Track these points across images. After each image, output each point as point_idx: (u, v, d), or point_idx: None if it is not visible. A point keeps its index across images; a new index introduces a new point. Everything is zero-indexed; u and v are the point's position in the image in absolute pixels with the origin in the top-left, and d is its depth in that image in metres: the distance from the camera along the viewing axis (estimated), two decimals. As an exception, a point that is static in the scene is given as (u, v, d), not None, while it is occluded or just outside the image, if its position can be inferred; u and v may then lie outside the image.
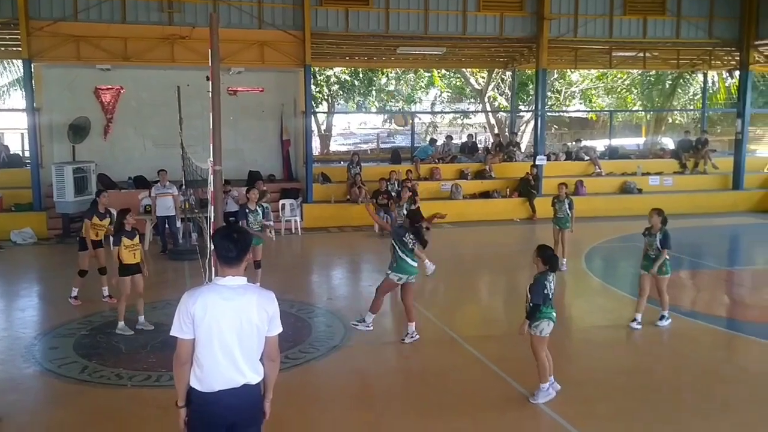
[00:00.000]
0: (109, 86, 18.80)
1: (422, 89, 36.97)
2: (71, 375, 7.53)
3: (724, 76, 27.85)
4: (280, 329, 3.96)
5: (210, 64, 5.62)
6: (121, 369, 7.63)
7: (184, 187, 15.01)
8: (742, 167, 21.33)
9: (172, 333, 3.81)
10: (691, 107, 33.52)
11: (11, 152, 19.89)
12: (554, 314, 6.73)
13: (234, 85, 19.01)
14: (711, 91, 29.37)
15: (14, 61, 24.59)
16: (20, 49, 16.24)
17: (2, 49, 18.88)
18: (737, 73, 21.84)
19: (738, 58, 21.28)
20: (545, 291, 6.61)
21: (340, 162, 23.51)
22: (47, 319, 9.93)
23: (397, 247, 8.46)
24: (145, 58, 16.90)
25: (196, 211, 14.94)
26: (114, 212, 10.24)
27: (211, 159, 5.54)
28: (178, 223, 14.89)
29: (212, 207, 5.45)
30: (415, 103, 37.94)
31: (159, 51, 16.87)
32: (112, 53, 16.65)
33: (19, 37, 16.06)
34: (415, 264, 8.61)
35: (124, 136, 19.08)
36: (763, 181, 22.23)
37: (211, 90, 5.39)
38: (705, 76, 26.93)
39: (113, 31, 16.43)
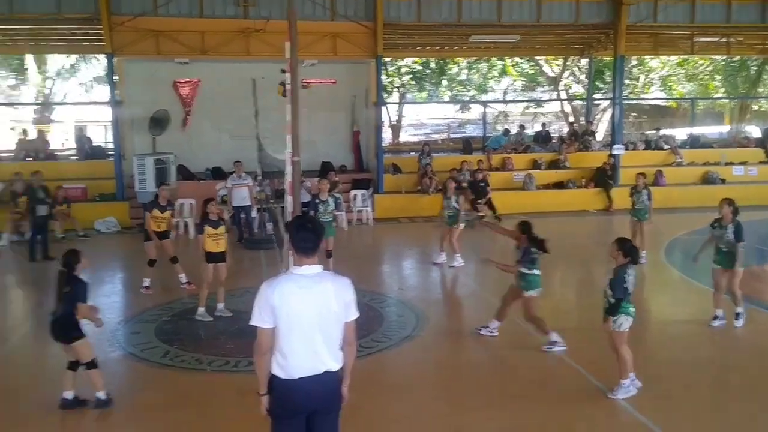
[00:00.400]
0: (187, 79, 19.31)
1: (494, 78, 36.50)
2: (154, 359, 7.82)
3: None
4: (357, 314, 4.03)
5: (286, 57, 5.67)
6: (200, 354, 7.88)
7: (260, 177, 15.29)
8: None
9: (252, 322, 3.89)
10: (780, 93, 31.98)
11: (94, 144, 20.69)
12: (633, 309, 6.55)
13: (307, 78, 19.24)
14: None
15: (97, 56, 25.60)
16: (103, 44, 16.86)
17: (86, 44, 19.62)
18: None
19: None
20: (625, 285, 6.44)
21: (411, 152, 23.48)
22: (130, 305, 10.32)
23: (526, 269, 7.93)
24: (221, 52, 17.30)
25: (271, 201, 15.23)
26: (175, 204, 10.50)
27: (289, 150, 5.61)
28: (254, 213, 15.20)
29: (289, 197, 5.53)
30: (487, 92, 37.50)
31: (235, 44, 17.24)
32: (189, 47, 17.10)
33: (102, 32, 16.66)
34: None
35: (201, 128, 19.58)
36: None
37: (288, 83, 5.44)
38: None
39: (191, 25, 16.88)
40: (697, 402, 6.59)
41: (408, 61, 32.04)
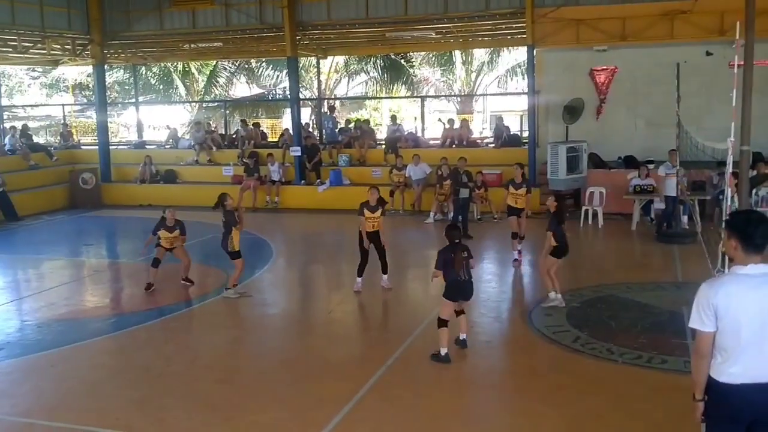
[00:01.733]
0: (604, 67, 19.10)
1: None
2: (565, 342, 7.99)
3: None
4: None
5: (737, 37, 5.20)
6: (611, 344, 7.79)
7: (679, 167, 14.42)
8: None
9: (691, 325, 3.70)
10: None
11: (511, 132, 21.82)
12: None
13: (740, 59, 17.39)
14: None
15: (516, 47, 26.95)
16: (525, 36, 17.63)
17: (509, 37, 20.76)
18: None
19: None
20: None
21: None
22: (539, 287, 10.58)
23: None
24: (642, 37, 16.72)
25: (688, 193, 14.27)
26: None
27: (732, 138, 5.17)
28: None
29: (729, 189, 5.10)
30: None
31: (658, 28, 16.49)
32: (610, 34, 16.90)
33: (524, 25, 17.42)
34: None
35: (615, 116, 19.18)
36: None
37: (738, 64, 4.99)
38: None
39: (612, 12, 16.61)
40: None
41: None
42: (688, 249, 12.26)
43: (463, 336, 7.70)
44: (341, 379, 7.12)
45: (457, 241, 7.57)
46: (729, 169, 5.29)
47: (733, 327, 3.52)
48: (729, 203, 4.98)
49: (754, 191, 14.87)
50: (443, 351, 7.36)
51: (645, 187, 15.21)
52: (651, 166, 15.86)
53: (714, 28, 15.85)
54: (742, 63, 16.56)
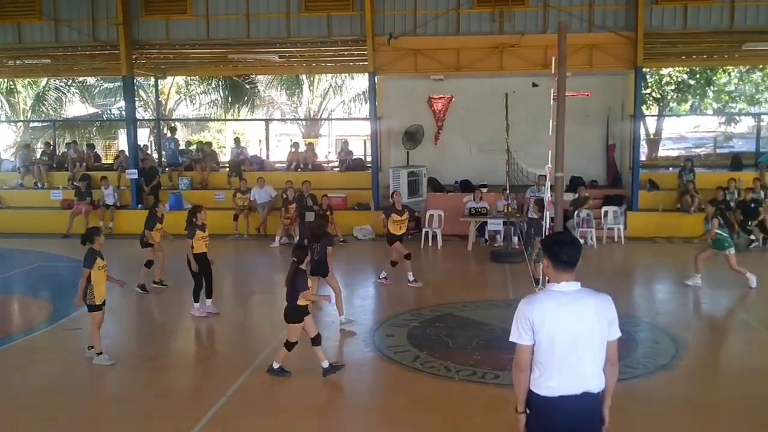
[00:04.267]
0: (441, 95, 19.98)
1: (768, 89, 32.88)
2: (405, 362, 8.17)
3: None
4: (619, 333, 3.89)
5: (552, 71, 5.64)
6: (449, 362, 8.07)
7: (507, 191, 15.33)
8: None
9: (512, 339, 3.90)
10: None
11: (354, 157, 22.22)
12: None
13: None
14: None
15: (359, 74, 27.53)
16: (366, 63, 18.07)
17: (351, 63, 21.19)
18: None
19: None
20: None
21: (669, 168, 21.96)
22: (384, 308, 10.89)
23: None
24: (475, 68, 17.65)
25: (517, 215, 15.19)
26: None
27: (550, 165, 5.57)
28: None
29: (548, 212, 5.48)
30: (760, 104, 33.89)
31: (489, 60, 17.48)
32: (445, 64, 17.69)
33: (366, 52, 17.87)
34: None
35: (452, 142, 20.10)
36: None
37: (554, 96, 5.41)
38: None
39: (447, 43, 17.43)
40: None
41: (671, 70, 30.06)
42: (518, 268, 12.99)
43: (325, 364, 7.58)
44: (177, 414, 6.83)
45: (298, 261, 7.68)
46: (548, 194, 5.68)
47: (548, 341, 3.76)
48: (548, 225, 5.36)
49: (576, 212, 16.15)
50: (276, 364, 7.63)
51: (479, 210, 16.06)
52: (484, 190, 16.79)
53: (538, 61, 17.07)
54: (568, 94, 17.95)
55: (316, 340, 7.59)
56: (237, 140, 23.72)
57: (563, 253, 3.82)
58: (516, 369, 3.90)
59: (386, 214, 11.87)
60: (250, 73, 28.72)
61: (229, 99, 31.43)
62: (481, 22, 17.25)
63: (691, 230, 15.99)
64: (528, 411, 3.91)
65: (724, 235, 11.49)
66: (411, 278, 11.92)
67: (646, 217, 17.31)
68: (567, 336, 3.74)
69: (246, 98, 31.76)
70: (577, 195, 16.71)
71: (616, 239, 16.50)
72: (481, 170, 18.79)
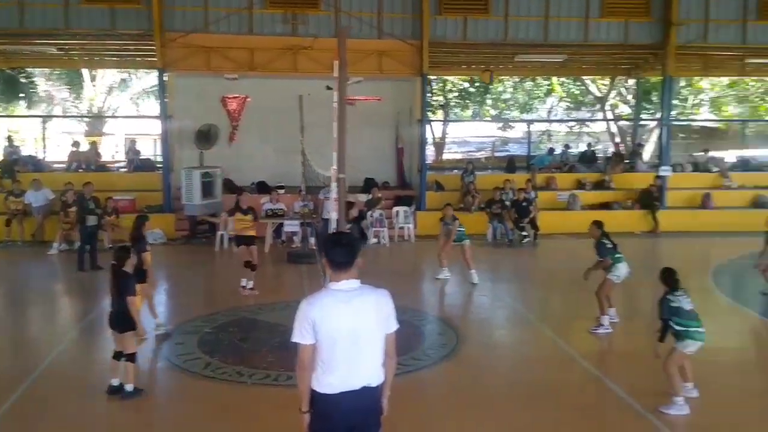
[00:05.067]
0: (236, 95, 19.64)
1: (539, 98, 36.29)
2: (195, 370, 7.91)
3: None
4: (396, 326, 4.07)
5: (335, 75, 5.75)
6: (242, 366, 7.94)
7: (304, 192, 15.45)
8: None
9: (293, 339, 3.93)
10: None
11: (143, 157, 21.17)
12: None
13: (352, 95, 19.34)
14: None
15: (147, 70, 26.25)
16: (155, 59, 17.29)
17: (138, 59, 20.17)
18: None
19: None
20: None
21: (454, 170, 23.44)
22: (175, 315, 10.47)
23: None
24: (269, 68, 17.58)
25: (313, 216, 15.36)
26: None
27: (335, 167, 5.67)
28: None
29: (333, 214, 5.58)
30: (532, 111, 37.31)
31: (283, 61, 17.51)
32: (239, 63, 17.44)
33: (154, 48, 17.09)
34: None
35: (248, 143, 19.84)
36: None
37: (336, 100, 5.52)
38: None
39: (239, 42, 17.21)
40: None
41: (454, 78, 32.08)
42: (315, 268, 13.13)
43: (129, 387, 7.03)
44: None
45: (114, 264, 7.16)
46: (333, 194, 5.80)
47: (329, 339, 3.83)
48: (335, 226, 5.47)
49: (369, 213, 16.67)
50: (129, 386, 7.00)
51: (276, 211, 16.01)
52: (281, 191, 16.78)
53: (331, 64, 17.37)
54: (360, 98, 18.35)
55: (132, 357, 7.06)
56: (10, 138, 21.61)
57: (337, 254, 3.92)
58: (299, 369, 3.93)
59: (230, 213, 11.69)
60: (24, 66, 26.35)
61: (2, 94, 28.60)
62: (274, 23, 17.24)
63: (474, 227, 17.15)
64: (311, 409, 3.95)
65: (462, 229, 12.57)
66: (246, 284, 11.44)
67: (433, 216, 18.12)
68: (347, 333, 3.83)
69: (24, 94, 29.07)
70: (371, 196, 17.27)
71: (406, 237, 17.27)
72: (277, 171, 18.74)
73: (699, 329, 6.60)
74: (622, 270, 9.40)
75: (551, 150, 23.00)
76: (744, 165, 22.53)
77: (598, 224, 9.88)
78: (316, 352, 3.88)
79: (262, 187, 18.38)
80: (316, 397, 3.91)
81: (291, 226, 16.07)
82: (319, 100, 17.36)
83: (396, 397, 4.26)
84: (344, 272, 3.92)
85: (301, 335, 3.87)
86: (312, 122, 16.33)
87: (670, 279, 6.78)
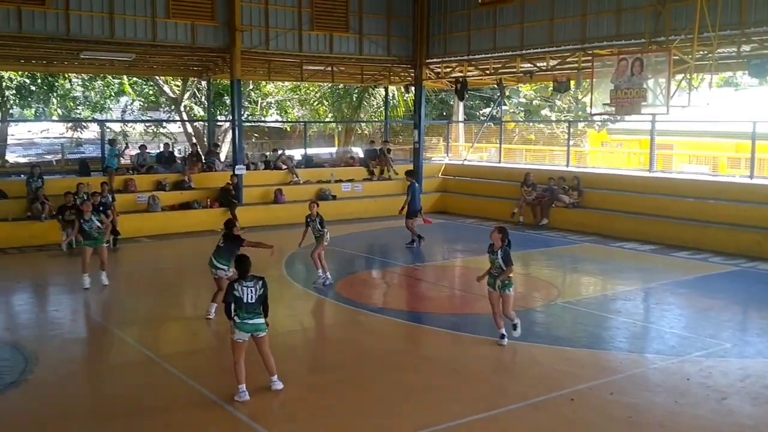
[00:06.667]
0: None
1: (112, 97, 34.88)
2: None
3: (402, 90, 30.45)
4: None
5: None
6: None
7: None
8: (420, 173, 23.52)
9: None
10: (376, 119, 36.28)
11: None
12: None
13: None
14: (392, 104, 32.16)
15: None
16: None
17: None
18: (413, 88, 24.14)
19: (413, 74, 23.53)
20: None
21: (20, 175, 21.08)
22: None
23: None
24: None
25: None
26: None
27: None
28: None
29: None
30: (105, 111, 35.69)
31: None
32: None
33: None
34: None
35: None
36: (438, 184, 24.79)
37: None
38: (386, 90, 29.40)
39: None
40: (312, 405, 7.17)
41: (8, 74, 28.87)
42: None
43: None
44: None
45: None
46: None
47: None
48: None
49: None
50: None
51: None
52: None
53: None
54: None
55: None
56: None
57: None
58: None
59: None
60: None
61: None
62: None
63: (44, 237, 15.80)
64: None
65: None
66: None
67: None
68: None
69: None
70: None
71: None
72: None
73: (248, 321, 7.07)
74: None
75: (113, 141, 21.50)
76: (308, 162, 24.90)
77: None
78: None
79: None
80: None
81: None
82: None
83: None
84: None
85: None
86: None
87: (240, 268, 7.20)
